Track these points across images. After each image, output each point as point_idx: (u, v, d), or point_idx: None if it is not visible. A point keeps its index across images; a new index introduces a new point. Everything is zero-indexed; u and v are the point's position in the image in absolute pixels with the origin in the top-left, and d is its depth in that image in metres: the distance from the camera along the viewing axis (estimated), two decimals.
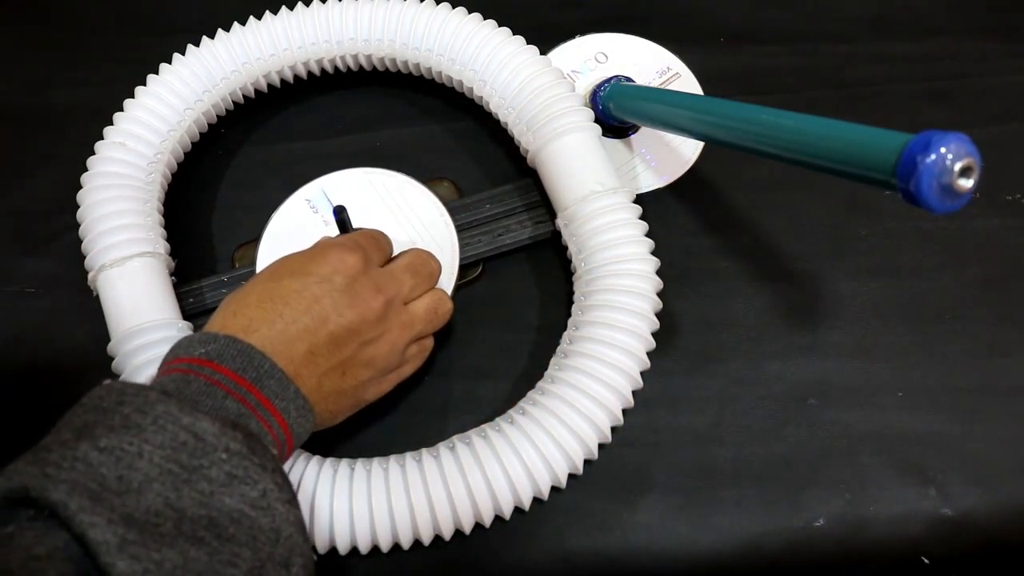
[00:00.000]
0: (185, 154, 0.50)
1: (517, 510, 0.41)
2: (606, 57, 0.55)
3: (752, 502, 0.43)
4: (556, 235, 0.47)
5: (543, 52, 0.54)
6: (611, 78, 0.52)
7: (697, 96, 0.44)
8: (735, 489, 0.44)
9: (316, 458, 0.40)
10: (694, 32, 0.56)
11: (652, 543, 0.43)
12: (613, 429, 0.42)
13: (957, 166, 0.28)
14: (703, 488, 0.44)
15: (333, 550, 0.39)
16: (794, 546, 0.42)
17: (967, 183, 0.29)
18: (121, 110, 0.48)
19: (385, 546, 0.39)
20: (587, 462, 0.41)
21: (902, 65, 0.56)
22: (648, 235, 0.44)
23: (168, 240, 0.47)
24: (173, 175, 0.50)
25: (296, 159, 0.52)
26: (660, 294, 0.43)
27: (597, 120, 0.51)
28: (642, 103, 0.48)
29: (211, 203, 0.51)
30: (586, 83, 0.53)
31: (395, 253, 0.43)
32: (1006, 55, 0.56)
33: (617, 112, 0.49)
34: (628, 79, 0.53)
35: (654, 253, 0.44)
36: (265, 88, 0.51)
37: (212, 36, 0.49)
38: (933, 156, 0.28)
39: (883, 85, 0.55)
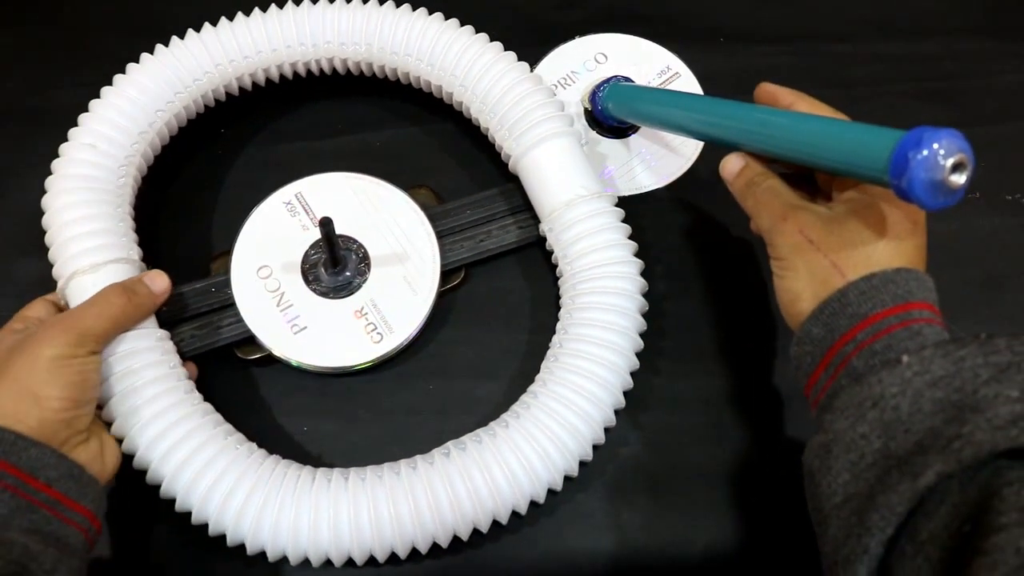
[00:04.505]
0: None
1: (514, 514, 0.41)
2: (606, 57, 0.55)
3: (752, 502, 0.43)
4: (544, 238, 0.47)
5: (543, 52, 0.54)
6: (610, 78, 0.52)
7: (693, 95, 0.44)
8: (735, 489, 0.44)
9: (307, 468, 0.40)
10: (694, 32, 0.56)
11: (651, 543, 0.43)
12: (607, 430, 0.42)
13: (949, 162, 0.28)
14: (702, 488, 0.44)
15: (328, 563, 0.39)
16: (794, 546, 0.42)
17: (960, 179, 0.29)
18: None
19: (382, 557, 0.39)
20: (583, 464, 0.41)
21: (902, 65, 0.55)
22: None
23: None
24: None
25: (288, 161, 0.51)
26: (646, 295, 0.44)
27: (596, 120, 0.51)
28: (640, 103, 0.48)
29: (201, 205, 0.51)
30: (586, 83, 0.53)
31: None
32: (1006, 55, 0.56)
33: (616, 112, 0.49)
34: (627, 79, 0.53)
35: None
36: (249, 86, 0.49)
37: None
38: (925, 152, 0.28)
39: (883, 85, 0.55)
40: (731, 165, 0.40)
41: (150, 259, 0.46)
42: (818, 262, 0.35)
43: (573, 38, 0.56)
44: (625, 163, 0.52)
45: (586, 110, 0.52)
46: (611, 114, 0.50)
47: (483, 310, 0.48)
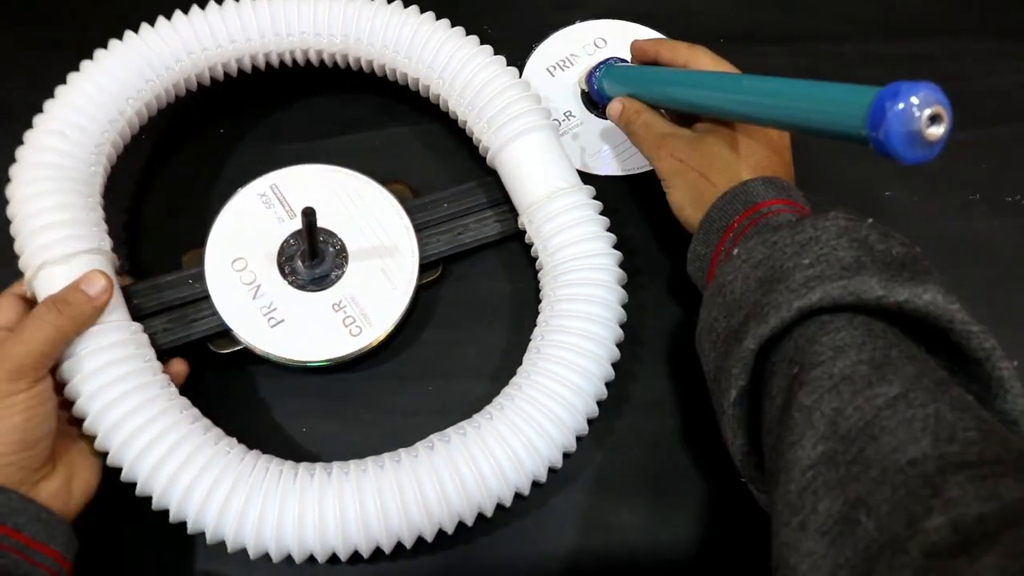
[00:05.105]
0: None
1: (504, 509, 0.40)
2: (605, 42, 0.55)
3: (752, 501, 0.43)
4: (523, 231, 0.47)
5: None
6: (605, 60, 0.52)
7: (681, 71, 0.45)
8: (734, 488, 0.44)
9: (289, 463, 0.39)
10: (694, 32, 0.56)
11: (652, 543, 0.43)
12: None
13: (925, 113, 0.29)
14: (702, 487, 0.44)
15: (311, 559, 0.38)
16: None
17: (937, 131, 0.29)
18: None
19: (367, 551, 0.38)
20: (580, 460, 0.41)
21: (902, 65, 0.55)
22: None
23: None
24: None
25: (263, 157, 0.50)
26: (631, 289, 0.44)
27: (593, 102, 0.52)
28: (633, 80, 0.48)
29: (177, 198, 0.50)
30: (584, 66, 0.53)
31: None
32: (1006, 55, 0.56)
33: (611, 92, 0.49)
34: (622, 60, 0.53)
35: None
36: (221, 76, 0.48)
37: None
38: (901, 104, 0.29)
39: (883, 85, 0.55)
40: (612, 109, 0.47)
41: (127, 253, 0.46)
42: (690, 176, 0.42)
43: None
44: (621, 143, 0.52)
45: (583, 91, 0.53)
46: (607, 94, 0.50)
47: (486, 309, 0.48)
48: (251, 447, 0.40)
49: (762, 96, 0.37)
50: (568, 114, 0.53)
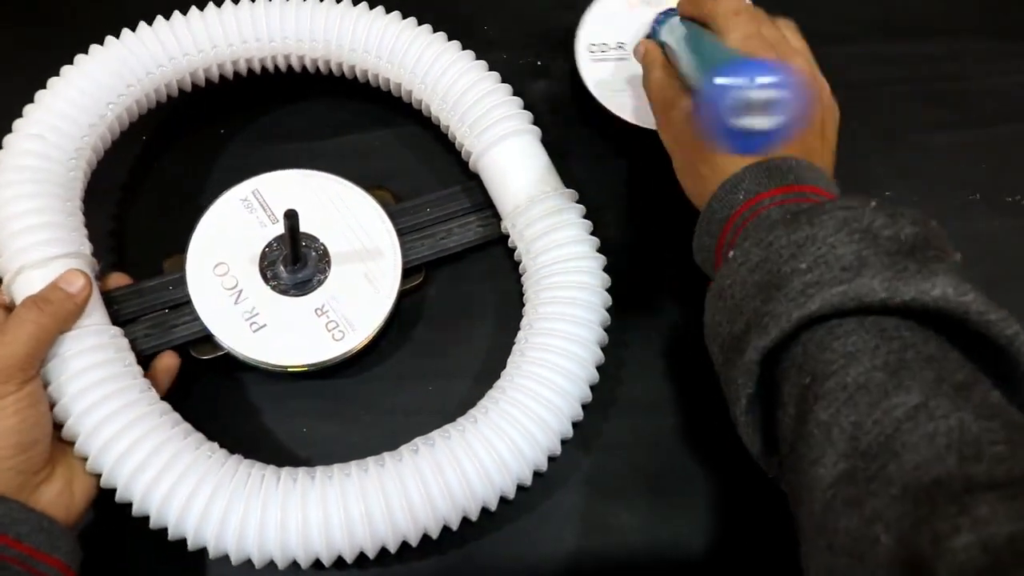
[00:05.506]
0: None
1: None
2: None
3: (751, 501, 0.43)
4: (506, 236, 0.47)
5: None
6: (668, 10, 0.50)
7: (685, 25, 0.44)
8: (733, 488, 0.44)
9: (271, 468, 0.39)
10: None
11: (652, 544, 0.43)
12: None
13: (745, 100, 0.28)
14: (701, 487, 0.44)
15: (294, 565, 0.38)
16: (797, 545, 0.42)
17: (756, 122, 0.28)
18: None
19: (350, 556, 0.38)
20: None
21: (902, 65, 0.55)
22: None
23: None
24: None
25: (247, 162, 0.49)
26: (608, 290, 0.44)
27: None
28: (667, 32, 0.47)
29: (159, 204, 0.50)
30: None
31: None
32: (1006, 55, 0.56)
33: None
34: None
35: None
36: (203, 82, 0.48)
37: None
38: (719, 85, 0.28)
39: (883, 85, 0.55)
40: (637, 48, 0.46)
41: (109, 257, 0.46)
42: (686, 157, 0.41)
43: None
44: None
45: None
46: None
47: (480, 309, 0.48)
48: (245, 453, 0.40)
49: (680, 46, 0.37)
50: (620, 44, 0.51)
